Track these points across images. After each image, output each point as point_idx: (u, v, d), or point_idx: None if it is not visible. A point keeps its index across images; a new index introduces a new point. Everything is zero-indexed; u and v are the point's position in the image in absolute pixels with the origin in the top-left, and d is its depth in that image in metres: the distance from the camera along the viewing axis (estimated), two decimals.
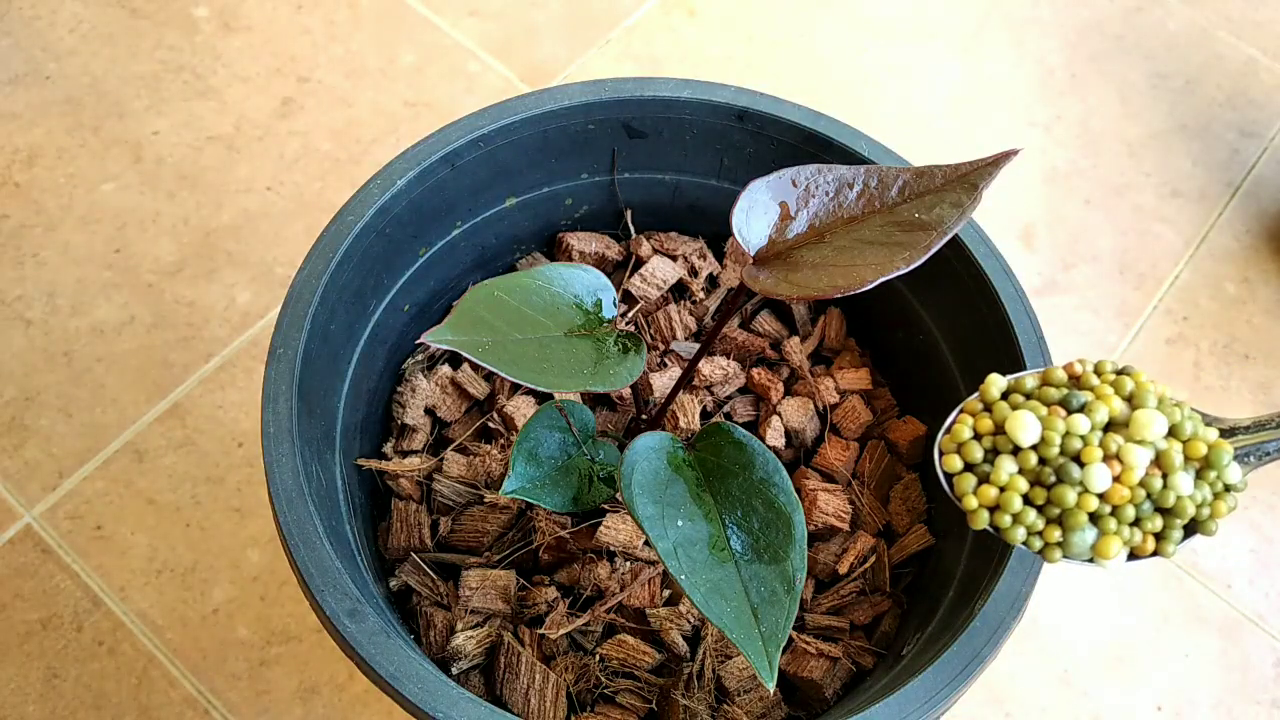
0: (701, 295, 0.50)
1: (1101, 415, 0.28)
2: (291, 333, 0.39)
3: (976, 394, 0.31)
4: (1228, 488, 0.29)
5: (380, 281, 0.44)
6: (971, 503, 0.29)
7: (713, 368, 0.48)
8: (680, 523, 0.30)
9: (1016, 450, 0.29)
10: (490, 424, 0.46)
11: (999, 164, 0.32)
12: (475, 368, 0.48)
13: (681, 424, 0.46)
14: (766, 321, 0.50)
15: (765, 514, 0.31)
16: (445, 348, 0.30)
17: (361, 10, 0.77)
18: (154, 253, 0.66)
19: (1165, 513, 0.28)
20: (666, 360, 0.49)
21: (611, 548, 0.42)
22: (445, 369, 0.48)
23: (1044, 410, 0.29)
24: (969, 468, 0.29)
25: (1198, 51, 0.81)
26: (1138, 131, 0.76)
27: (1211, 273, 0.70)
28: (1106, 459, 0.28)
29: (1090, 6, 0.83)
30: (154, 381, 0.62)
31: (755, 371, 0.48)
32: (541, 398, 0.47)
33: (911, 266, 0.30)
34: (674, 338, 0.49)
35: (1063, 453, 0.28)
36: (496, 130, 0.44)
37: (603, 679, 0.41)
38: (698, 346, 0.49)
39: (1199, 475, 0.28)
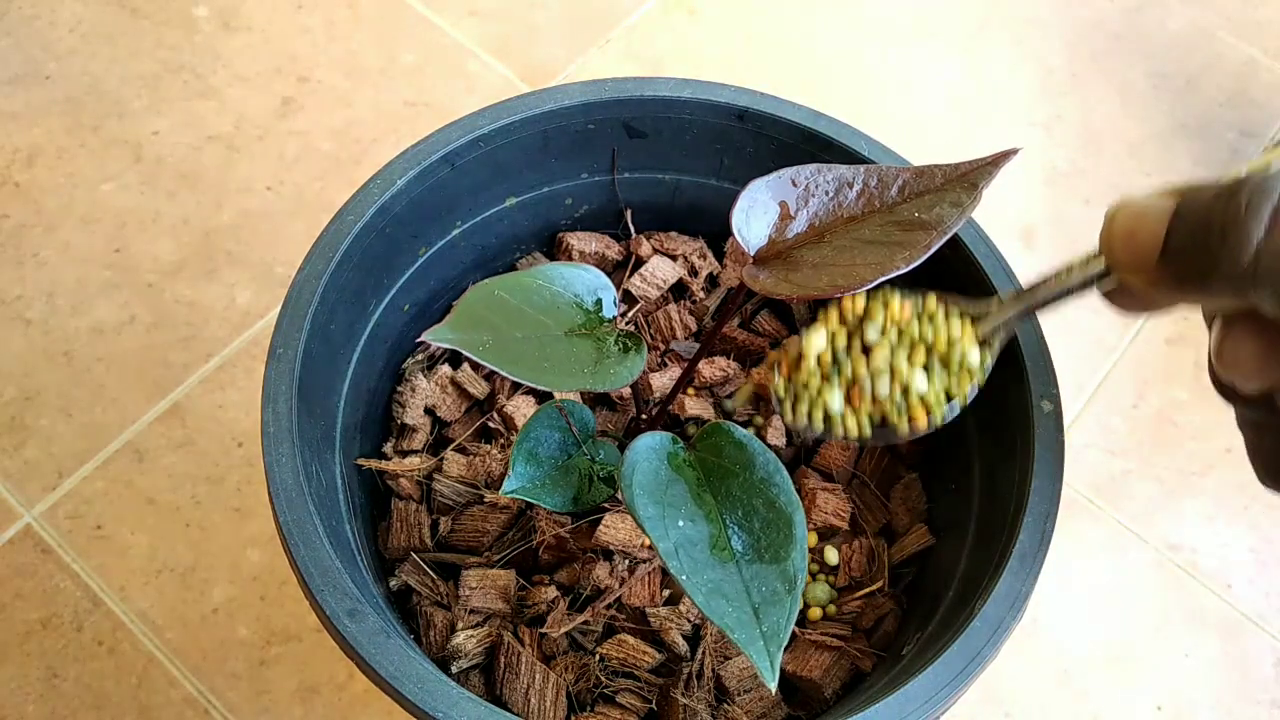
0: (701, 295, 0.50)
1: (871, 331, 0.33)
2: (291, 333, 0.39)
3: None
4: (971, 372, 0.35)
5: (380, 281, 0.44)
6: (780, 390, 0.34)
7: (713, 369, 0.48)
8: (681, 523, 0.30)
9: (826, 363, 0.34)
10: (490, 424, 0.46)
11: (999, 163, 0.32)
12: (475, 367, 0.48)
13: (682, 424, 0.46)
14: (767, 321, 0.50)
15: (766, 514, 0.31)
16: (446, 346, 0.30)
17: (361, 10, 0.77)
18: (154, 253, 0.66)
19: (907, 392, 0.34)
20: (666, 360, 0.49)
21: (611, 547, 0.42)
22: (445, 369, 0.48)
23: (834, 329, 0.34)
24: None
25: (1198, 51, 0.81)
26: (1138, 131, 0.76)
27: None
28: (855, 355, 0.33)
29: (1090, 6, 0.83)
30: (154, 381, 0.62)
31: (755, 371, 0.48)
32: (541, 397, 0.47)
33: (911, 266, 0.30)
34: (674, 337, 0.49)
35: (835, 357, 0.34)
36: (496, 130, 0.44)
37: (603, 679, 0.41)
38: (698, 346, 0.49)
39: (945, 362, 0.34)
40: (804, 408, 0.34)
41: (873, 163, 0.44)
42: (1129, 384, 0.66)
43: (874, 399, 0.34)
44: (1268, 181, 0.24)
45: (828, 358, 0.34)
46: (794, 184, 0.34)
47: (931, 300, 0.33)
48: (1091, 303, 0.74)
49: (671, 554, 0.29)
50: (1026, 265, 0.68)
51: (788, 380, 0.35)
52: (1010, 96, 0.77)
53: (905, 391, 0.34)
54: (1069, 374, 0.65)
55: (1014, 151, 0.32)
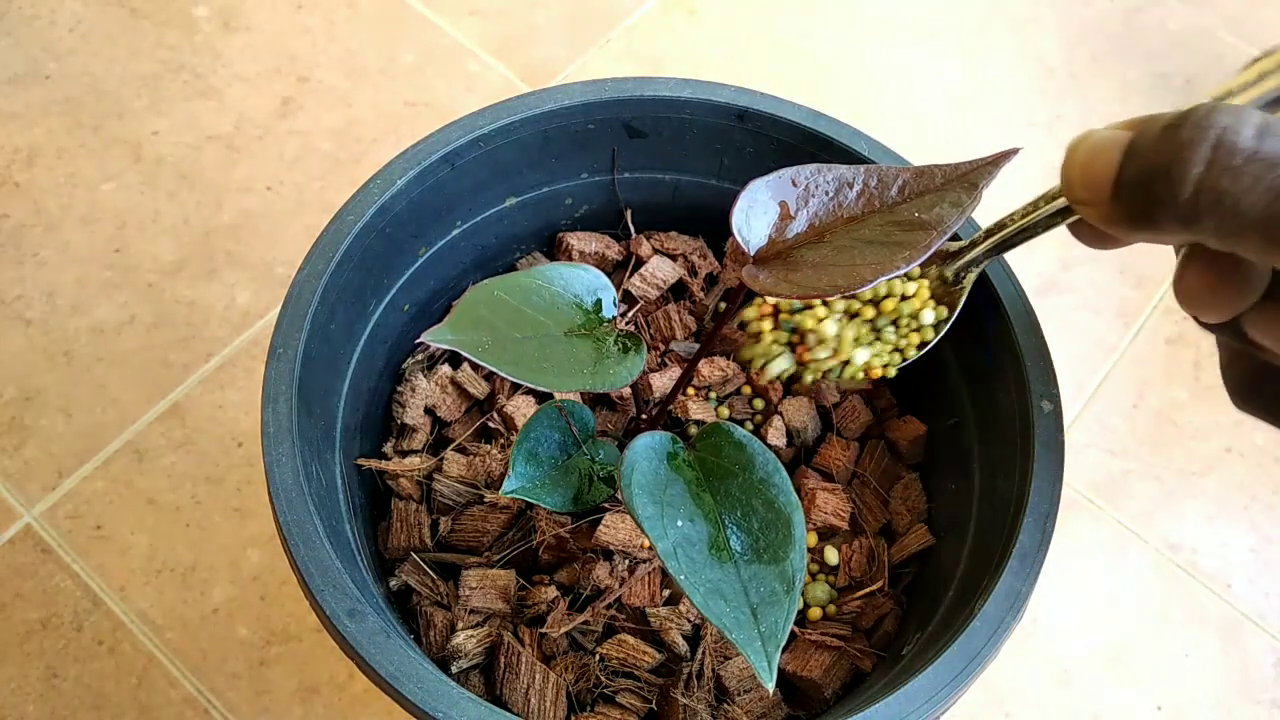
0: (701, 295, 0.50)
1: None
2: (291, 332, 0.39)
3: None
4: (920, 327, 0.39)
5: (380, 281, 0.44)
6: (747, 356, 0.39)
7: (712, 368, 0.48)
8: (680, 523, 0.30)
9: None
10: (490, 424, 0.46)
11: (999, 163, 0.33)
12: (475, 367, 0.48)
13: (682, 424, 0.46)
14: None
15: (765, 514, 0.31)
16: (445, 347, 0.30)
17: (361, 10, 0.77)
18: (154, 252, 0.66)
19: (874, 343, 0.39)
20: (666, 360, 0.49)
21: (611, 547, 0.42)
22: (445, 369, 0.48)
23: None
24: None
25: (1198, 51, 0.81)
26: None
27: None
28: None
29: (1090, 6, 0.83)
30: (154, 381, 0.62)
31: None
32: (542, 397, 0.47)
33: (911, 265, 0.30)
34: (674, 337, 0.49)
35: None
36: (496, 130, 0.44)
37: (603, 679, 0.41)
38: (698, 346, 0.49)
39: (898, 322, 0.38)
40: (759, 364, 0.38)
41: (873, 163, 0.44)
42: (1129, 384, 0.66)
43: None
44: (1210, 115, 0.24)
45: (776, 326, 0.38)
46: (794, 184, 0.34)
47: None
48: (1092, 302, 0.73)
49: (670, 554, 0.29)
50: (1027, 265, 0.68)
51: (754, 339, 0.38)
52: (1010, 96, 0.77)
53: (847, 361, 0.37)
54: (1069, 374, 0.65)
55: (1014, 151, 0.32)
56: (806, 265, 0.32)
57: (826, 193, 0.34)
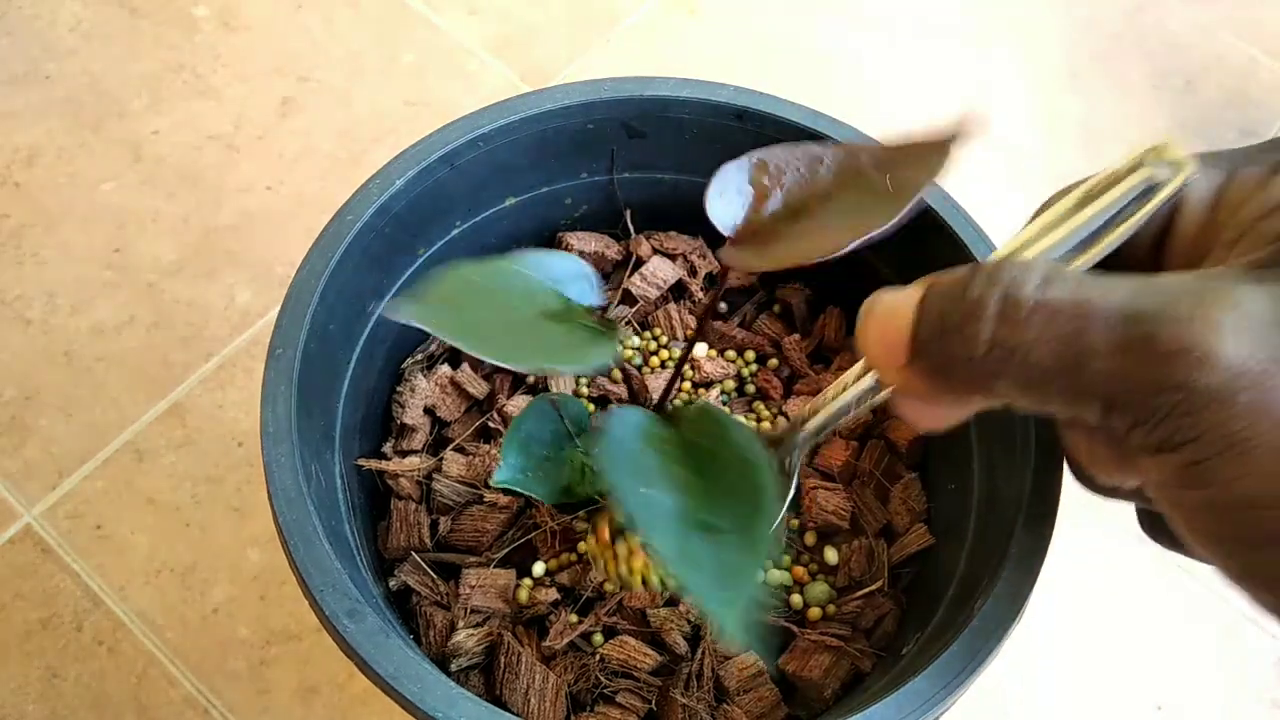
0: (701, 295, 0.50)
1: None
2: (291, 333, 0.39)
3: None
4: None
5: (380, 281, 0.44)
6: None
7: (714, 365, 0.48)
8: (653, 490, 0.30)
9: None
10: (490, 424, 0.46)
11: (969, 128, 0.31)
12: (475, 367, 0.48)
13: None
14: (767, 324, 0.50)
15: (737, 485, 0.30)
16: (407, 322, 0.30)
17: (361, 10, 0.77)
18: (154, 252, 0.66)
19: None
20: (665, 363, 0.49)
21: None
22: (445, 369, 0.48)
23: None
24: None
25: (1198, 51, 0.81)
26: (1138, 131, 0.76)
27: None
28: None
29: (1090, 6, 0.83)
30: (154, 381, 0.62)
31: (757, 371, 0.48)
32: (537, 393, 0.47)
33: (888, 226, 0.29)
34: (674, 337, 0.49)
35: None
36: (496, 130, 0.44)
37: (603, 679, 0.41)
38: (696, 346, 0.49)
39: None
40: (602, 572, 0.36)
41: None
42: None
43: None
44: (997, 271, 0.23)
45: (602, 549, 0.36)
46: (766, 165, 0.33)
47: None
48: None
49: (642, 520, 0.29)
50: None
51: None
52: (1010, 96, 0.77)
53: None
54: None
55: (983, 117, 0.32)
56: (783, 240, 0.31)
57: (799, 170, 0.33)
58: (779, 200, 0.33)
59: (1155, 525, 0.30)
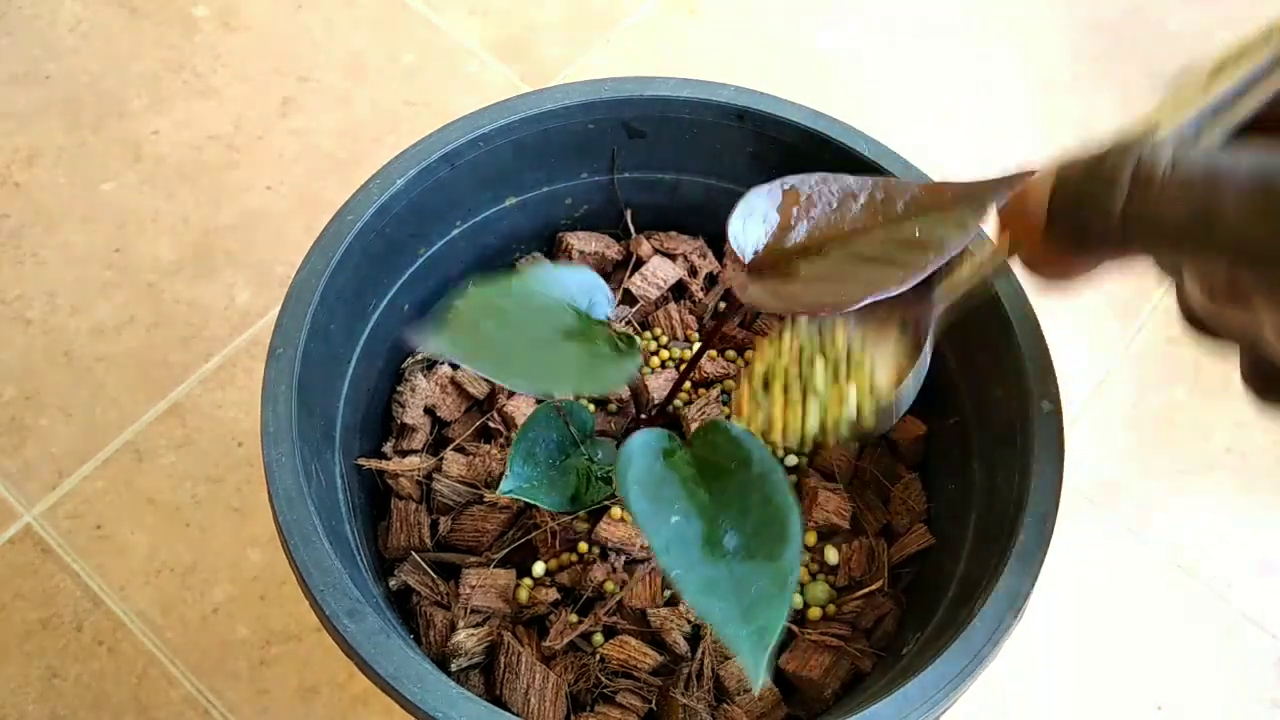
0: (701, 295, 0.50)
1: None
2: (291, 332, 0.39)
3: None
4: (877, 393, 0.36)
5: (380, 281, 0.44)
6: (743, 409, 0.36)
7: (714, 365, 0.48)
8: (675, 519, 0.30)
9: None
10: (490, 424, 0.46)
11: (1013, 184, 0.32)
12: None
13: (682, 424, 0.46)
14: (767, 323, 0.50)
15: (760, 511, 0.30)
16: (434, 355, 0.30)
17: (361, 10, 0.77)
18: (154, 252, 0.66)
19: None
20: (665, 363, 0.49)
21: (609, 544, 0.42)
22: (445, 369, 0.48)
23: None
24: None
25: (1198, 51, 0.81)
26: None
27: None
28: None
29: (1090, 6, 0.83)
30: (154, 381, 0.62)
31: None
32: (541, 398, 0.47)
33: (904, 286, 0.29)
34: (674, 337, 0.49)
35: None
36: (496, 130, 0.44)
37: (603, 679, 0.41)
38: (697, 346, 0.49)
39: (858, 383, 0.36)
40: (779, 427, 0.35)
41: (873, 162, 0.44)
42: (1129, 384, 0.66)
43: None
44: (1130, 150, 0.26)
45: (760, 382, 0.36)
46: (797, 194, 0.33)
47: (841, 334, 0.35)
48: (1092, 302, 0.73)
49: (664, 550, 0.29)
50: None
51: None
52: (1011, 96, 0.77)
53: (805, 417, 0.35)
54: (1069, 374, 0.65)
55: (1031, 173, 0.32)
56: (799, 278, 0.31)
57: (830, 204, 0.33)
58: (803, 232, 0.33)
59: (1261, 377, 0.32)
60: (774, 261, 0.32)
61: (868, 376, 0.35)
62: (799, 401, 0.35)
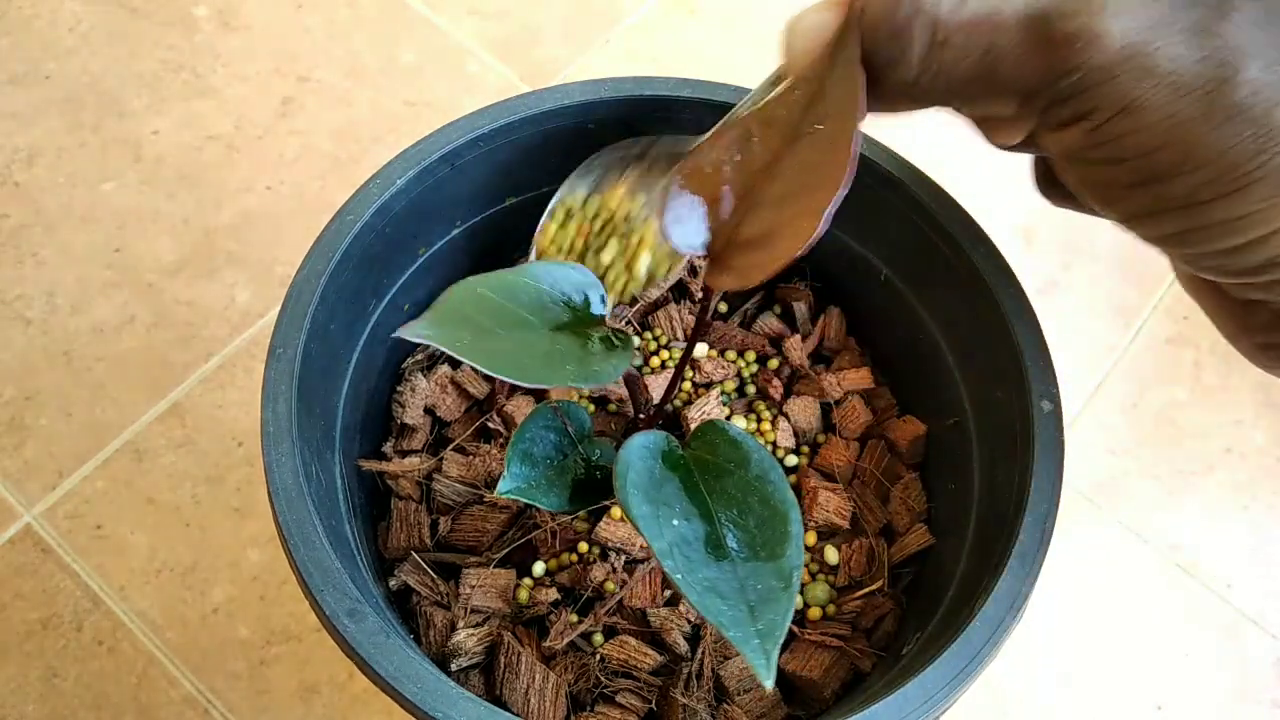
0: (701, 295, 0.50)
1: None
2: (291, 332, 0.39)
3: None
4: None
5: (380, 281, 0.44)
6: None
7: (714, 366, 0.48)
8: (675, 521, 0.30)
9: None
10: (490, 424, 0.46)
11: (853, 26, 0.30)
12: (475, 367, 0.48)
13: (680, 424, 0.46)
14: (767, 323, 0.50)
15: (761, 511, 0.30)
16: (421, 342, 0.30)
17: (361, 10, 0.77)
18: (154, 252, 0.66)
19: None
20: (665, 364, 0.49)
21: (609, 544, 0.42)
22: (445, 369, 0.48)
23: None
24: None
25: None
26: None
27: None
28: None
29: None
30: (154, 381, 0.62)
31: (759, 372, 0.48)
32: (541, 398, 0.47)
33: (846, 183, 0.28)
34: (674, 338, 0.49)
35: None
36: (496, 130, 0.44)
37: (603, 679, 0.41)
38: (697, 346, 0.49)
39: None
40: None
41: (871, 160, 0.44)
42: (1129, 384, 0.66)
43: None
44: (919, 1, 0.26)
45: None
46: (700, 168, 0.32)
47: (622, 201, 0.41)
48: (1092, 302, 0.73)
49: (666, 553, 0.29)
50: (1028, 266, 0.68)
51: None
52: None
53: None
54: (1069, 374, 0.65)
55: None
56: (749, 245, 0.30)
57: (735, 158, 0.32)
58: (729, 196, 0.32)
59: (1049, 183, 0.35)
60: (727, 239, 0.32)
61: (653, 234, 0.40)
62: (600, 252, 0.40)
